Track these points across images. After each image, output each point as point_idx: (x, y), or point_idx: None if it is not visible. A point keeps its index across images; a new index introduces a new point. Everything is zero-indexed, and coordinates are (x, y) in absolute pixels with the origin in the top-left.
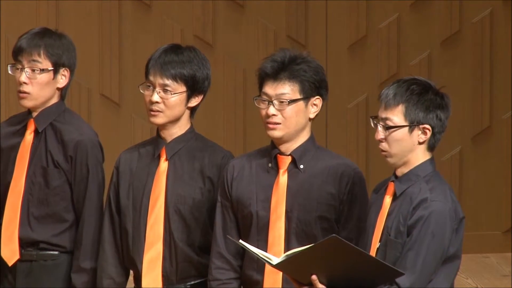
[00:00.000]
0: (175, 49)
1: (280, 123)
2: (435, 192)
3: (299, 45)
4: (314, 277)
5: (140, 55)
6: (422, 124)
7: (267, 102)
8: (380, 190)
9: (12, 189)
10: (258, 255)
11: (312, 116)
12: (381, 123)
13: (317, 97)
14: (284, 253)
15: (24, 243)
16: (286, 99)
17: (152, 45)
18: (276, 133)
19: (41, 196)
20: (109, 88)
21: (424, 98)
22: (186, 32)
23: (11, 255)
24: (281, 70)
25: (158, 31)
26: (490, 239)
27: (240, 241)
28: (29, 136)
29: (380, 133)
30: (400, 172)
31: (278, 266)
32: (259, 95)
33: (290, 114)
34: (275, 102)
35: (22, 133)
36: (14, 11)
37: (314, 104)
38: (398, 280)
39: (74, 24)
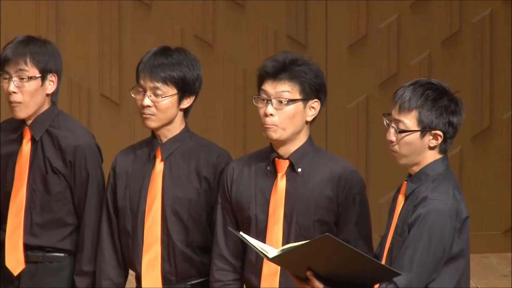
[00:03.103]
0: (164, 51)
1: (275, 125)
2: (437, 191)
3: (299, 45)
4: (309, 273)
5: (140, 55)
6: (434, 130)
7: (265, 101)
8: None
9: (13, 199)
10: (256, 247)
11: (309, 119)
12: (393, 124)
13: (316, 100)
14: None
15: (30, 248)
16: (286, 98)
17: (152, 45)
18: (272, 134)
19: (43, 203)
20: (109, 88)
21: (439, 105)
22: (186, 32)
23: (16, 265)
24: (282, 69)
25: (158, 31)
26: (490, 239)
27: (241, 233)
28: (26, 145)
29: (392, 134)
30: (412, 171)
31: (274, 260)
32: (258, 94)
33: (287, 114)
34: (274, 101)
35: (19, 141)
36: (14, 11)
37: (312, 107)
38: (395, 278)
39: (74, 24)
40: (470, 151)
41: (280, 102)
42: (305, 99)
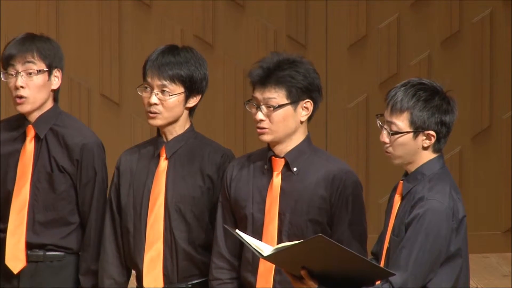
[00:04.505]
0: (172, 50)
1: (267, 128)
2: (433, 190)
3: (299, 45)
4: (303, 272)
5: (140, 55)
6: (427, 130)
7: (256, 107)
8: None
9: (15, 197)
10: (250, 245)
11: (303, 119)
12: (385, 126)
13: (307, 100)
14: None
15: (31, 246)
16: (273, 104)
17: (152, 45)
18: (265, 137)
19: (47, 202)
20: (109, 88)
21: (430, 105)
22: (186, 32)
23: (17, 263)
24: (266, 77)
25: (158, 31)
26: (490, 239)
27: (237, 230)
28: (30, 143)
29: (385, 136)
30: (409, 170)
31: (268, 258)
32: (251, 99)
33: (277, 119)
34: (263, 107)
35: (21, 140)
36: (14, 11)
37: (305, 107)
38: (391, 278)
39: (74, 24)
40: (470, 151)
41: (269, 107)
42: (294, 102)
